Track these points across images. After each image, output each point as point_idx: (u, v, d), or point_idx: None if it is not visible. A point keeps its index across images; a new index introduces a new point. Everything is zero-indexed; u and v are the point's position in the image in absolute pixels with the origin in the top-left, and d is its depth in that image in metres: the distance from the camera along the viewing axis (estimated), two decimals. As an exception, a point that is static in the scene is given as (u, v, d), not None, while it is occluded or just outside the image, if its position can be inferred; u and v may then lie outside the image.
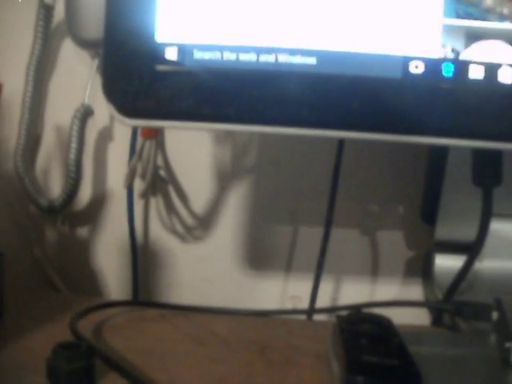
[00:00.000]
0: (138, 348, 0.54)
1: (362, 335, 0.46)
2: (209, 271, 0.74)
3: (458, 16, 0.43)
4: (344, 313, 0.52)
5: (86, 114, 0.66)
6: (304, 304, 0.70)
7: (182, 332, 0.58)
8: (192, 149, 0.72)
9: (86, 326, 0.55)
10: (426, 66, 0.43)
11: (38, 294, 0.70)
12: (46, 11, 0.68)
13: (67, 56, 0.72)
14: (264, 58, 0.44)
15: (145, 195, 0.73)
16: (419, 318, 0.68)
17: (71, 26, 0.60)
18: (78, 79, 0.69)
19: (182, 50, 0.44)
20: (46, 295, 0.70)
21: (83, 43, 0.61)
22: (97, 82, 0.65)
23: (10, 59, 0.71)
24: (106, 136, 0.73)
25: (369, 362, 0.42)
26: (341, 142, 0.66)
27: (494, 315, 0.51)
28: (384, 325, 0.48)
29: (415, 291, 0.73)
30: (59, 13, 0.68)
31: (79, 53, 0.67)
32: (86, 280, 0.75)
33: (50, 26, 0.69)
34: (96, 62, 0.65)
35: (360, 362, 0.42)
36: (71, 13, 0.60)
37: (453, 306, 0.59)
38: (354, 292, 0.73)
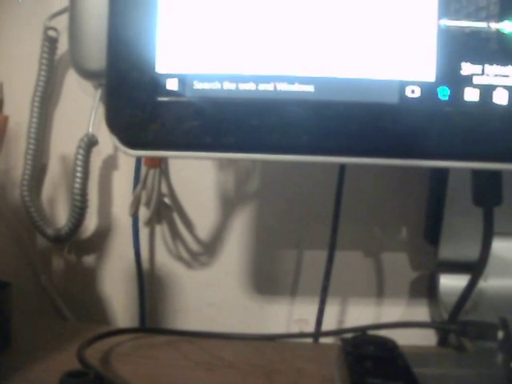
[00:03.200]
0: (145, 375, 0.54)
1: (367, 358, 0.46)
2: (215, 296, 0.74)
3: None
4: (349, 335, 0.52)
5: (90, 143, 0.67)
6: (310, 327, 0.70)
7: (190, 358, 0.59)
8: (196, 176, 0.73)
9: (93, 354, 0.55)
10: (422, 90, 0.44)
11: (46, 322, 0.70)
12: (50, 43, 0.70)
13: (71, 87, 0.73)
14: (263, 86, 0.44)
15: (150, 223, 0.73)
16: (426, 338, 0.68)
17: (74, 57, 0.61)
18: (82, 109, 0.70)
19: (183, 80, 0.45)
20: (53, 324, 0.70)
21: (86, 74, 0.62)
22: (100, 111, 0.66)
23: (16, 91, 0.72)
24: (110, 165, 0.74)
25: (373, 384, 0.42)
26: (342, 167, 0.66)
27: (500, 334, 0.51)
28: (388, 347, 0.48)
29: (421, 312, 0.73)
30: (63, 44, 0.69)
31: (83, 83, 0.68)
32: (93, 308, 0.75)
33: (54, 57, 0.71)
34: (99, 92, 0.66)
35: (364, 385, 0.43)
36: (74, 44, 0.61)
37: (458, 325, 0.59)
38: (360, 314, 0.73)
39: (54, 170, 0.74)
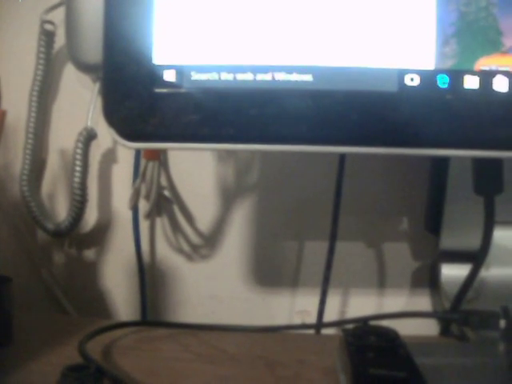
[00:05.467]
0: (147, 368, 0.54)
1: (368, 348, 0.46)
2: (216, 289, 0.74)
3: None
4: (351, 326, 0.52)
5: (89, 137, 0.66)
6: (313, 318, 0.70)
7: (191, 351, 0.58)
8: (195, 168, 0.73)
9: (95, 348, 0.55)
10: (421, 79, 0.44)
11: (47, 316, 0.70)
12: (47, 37, 0.69)
13: (69, 80, 0.73)
14: (261, 76, 0.44)
15: (150, 216, 0.73)
16: (428, 328, 0.68)
17: (72, 50, 0.61)
18: (80, 103, 0.69)
19: (180, 71, 0.44)
20: (54, 318, 0.70)
21: (84, 68, 0.61)
22: (99, 105, 0.65)
23: (13, 85, 0.71)
24: (109, 158, 0.74)
25: (375, 374, 0.42)
26: (342, 156, 0.66)
27: (502, 323, 0.51)
28: (390, 337, 0.48)
29: (423, 302, 0.73)
30: (60, 38, 0.68)
31: (81, 77, 0.68)
32: (94, 302, 0.75)
33: (52, 51, 0.70)
34: (97, 86, 0.66)
35: (366, 376, 0.42)
36: (72, 38, 0.60)
37: (460, 315, 0.59)
38: (362, 305, 0.73)
39: (53, 164, 0.74)
